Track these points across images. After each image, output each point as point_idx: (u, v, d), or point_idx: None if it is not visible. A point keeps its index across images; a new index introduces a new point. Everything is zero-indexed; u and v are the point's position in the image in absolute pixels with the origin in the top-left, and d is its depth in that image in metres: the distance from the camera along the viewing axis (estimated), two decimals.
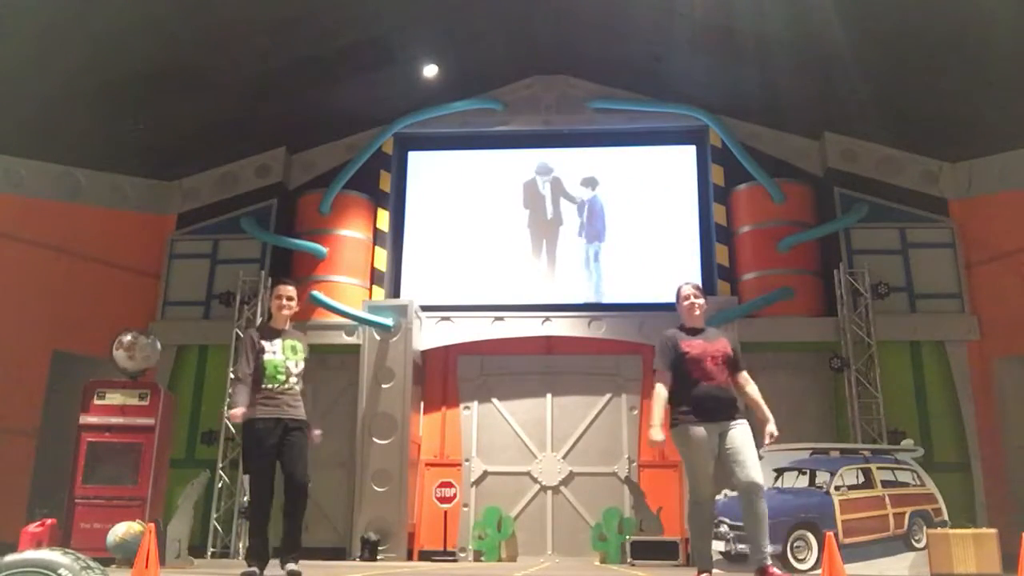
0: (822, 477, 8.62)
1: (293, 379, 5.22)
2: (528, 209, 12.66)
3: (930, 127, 11.09)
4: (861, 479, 8.67)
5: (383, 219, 12.55)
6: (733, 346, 4.94)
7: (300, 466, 5.08)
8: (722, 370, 4.77)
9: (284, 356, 5.22)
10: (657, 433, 4.67)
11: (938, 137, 11.21)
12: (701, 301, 4.95)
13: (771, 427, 4.73)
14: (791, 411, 10.08)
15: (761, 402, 4.86)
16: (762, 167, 11.74)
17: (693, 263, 12.14)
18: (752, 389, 4.90)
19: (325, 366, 11.34)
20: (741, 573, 7.95)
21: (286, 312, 5.35)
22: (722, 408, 4.69)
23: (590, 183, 12.68)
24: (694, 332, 4.89)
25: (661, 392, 4.76)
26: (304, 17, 10.31)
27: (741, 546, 8.12)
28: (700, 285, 5.12)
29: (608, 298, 12.09)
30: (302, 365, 5.30)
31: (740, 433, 4.65)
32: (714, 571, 4.71)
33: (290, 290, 5.42)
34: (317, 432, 5.35)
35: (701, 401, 4.67)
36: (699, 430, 4.63)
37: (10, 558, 2.17)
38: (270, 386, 5.13)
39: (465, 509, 11.47)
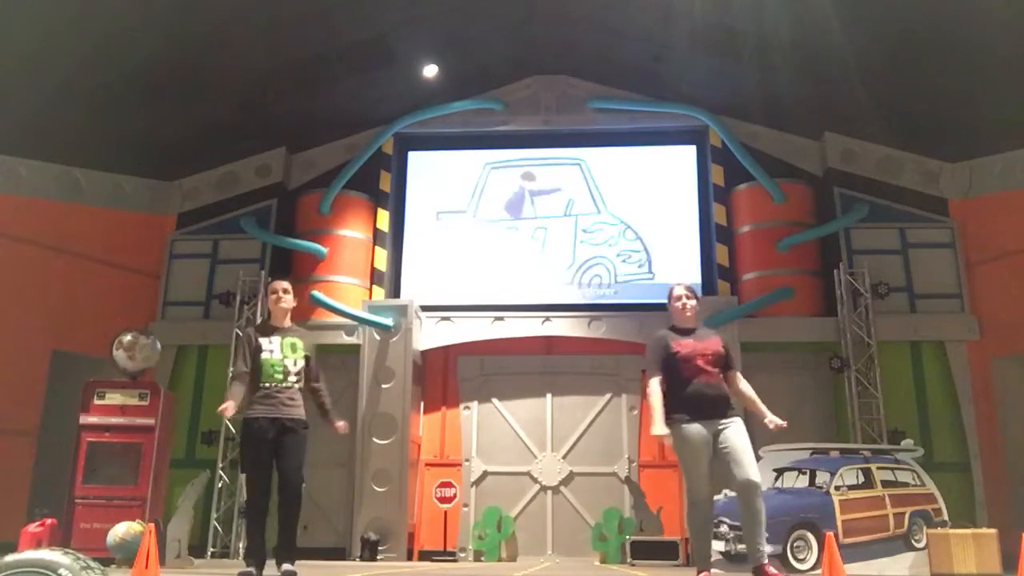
0: (822, 477, 8.62)
1: (292, 378, 5.14)
2: (533, 207, 12.66)
3: (930, 127, 11.09)
4: (861, 479, 8.67)
5: (383, 219, 12.54)
6: (725, 345, 4.92)
7: (294, 468, 5.01)
8: (713, 368, 4.77)
9: (283, 355, 5.13)
10: (659, 427, 4.65)
11: (938, 137, 11.21)
12: (693, 303, 4.96)
13: (772, 418, 4.71)
14: (791, 411, 10.00)
15: (756, 399, 4.87)
16: (762, 167, 11.73)
17: (693, 263, 12.15)
18: (746, 387, 4.90)
19: (325, 366, 11.10)
20: (741, 573, 7.97)
21: (283, 305, 5.25)
22: (714, 406, 4.69)
23: (528, 176, 12.77)
24: (685, 332, 4.90)
25: (654, 386, 4.76)
26: (304, 17, 10.31)
27: (741, 546, 8.11)
28: (691, 286, 5.14)
29: (605, 298, 12.09)
30: (301, 363, 5.20)
31: (734, 432, 4.63)
32: (713, 571, 4.70)
33: (283, 283, 5.34)
34: (341, 423, 5.29)
35: (693, 399, 4.69)
36: (692, 428, 4.64)
37: (10, 558, 2.17)
38: (267, 384, 5.07)
39: (465, 509, 11.46)
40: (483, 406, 11.94)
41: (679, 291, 5.01)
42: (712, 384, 4.73)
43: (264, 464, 5.04)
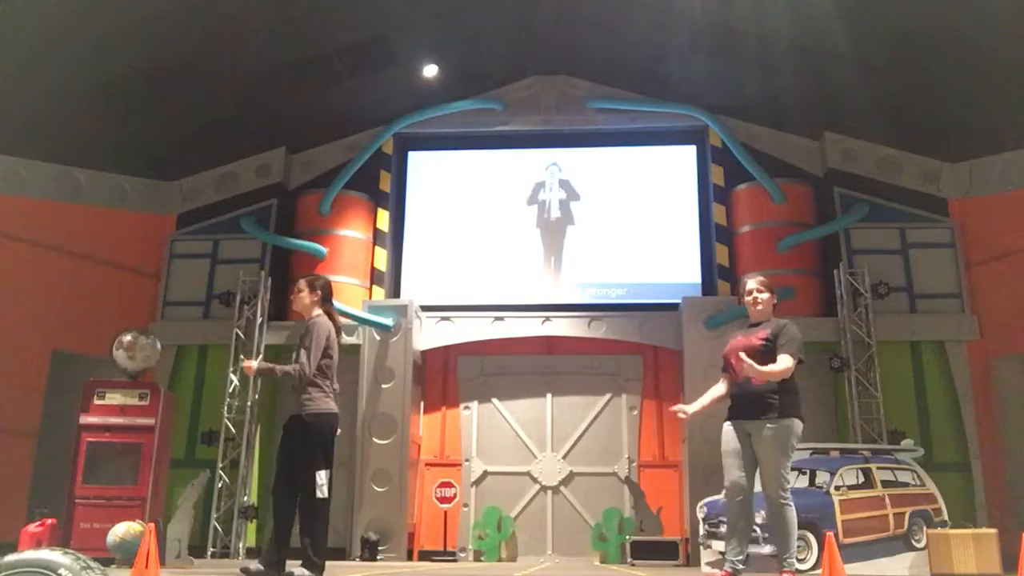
0: (822, 477, 8.61)
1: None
2: (534, 207, 12.65)
3: (930, 127, 11.09)
4: (861, 479, 8.66)
5: (383, 219, 12.54)
6: (772, 334, 4.60)
7: (300, 466, 4.94)
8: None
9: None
10: (684, 407, 4.89)
11: (938, 137, 11.20)
12: (764, 295, 4.77)
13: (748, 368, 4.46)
14: None
15: (768, 368, 4.46)
16: (762, 167, 11.74)
17: (693, 263, 12.15)
18: (775, 363, 4.50)
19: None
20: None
21: (296, 307, 5.19)
22: (744, 406, 4.63)
23: (557, 166, 12.79)
24: (752, 328, 4.81)
25: (714, 386, 4.90)
26: (304, 17, 10.31)
27: None
28: (763, 279, 4.91)
29: (603, 297, 12.08)
30: (294, 355, 4.98)
31: (765, 439, 4.52)
32: (707, 570, 4.69)
33: (298, 283, 5.22)
34: (248, 363, 5.05)
35: (731, 399, 4.76)
36: (726, 426, 4.72)
37: (10, 558, 2.17)
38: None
39: (465, 509, 11.47)
40: (483, 406, 11.94)
41: (750, 284, 4.84)
42: (741, 384, 4.63)
43: (279, 463, 5.07)
